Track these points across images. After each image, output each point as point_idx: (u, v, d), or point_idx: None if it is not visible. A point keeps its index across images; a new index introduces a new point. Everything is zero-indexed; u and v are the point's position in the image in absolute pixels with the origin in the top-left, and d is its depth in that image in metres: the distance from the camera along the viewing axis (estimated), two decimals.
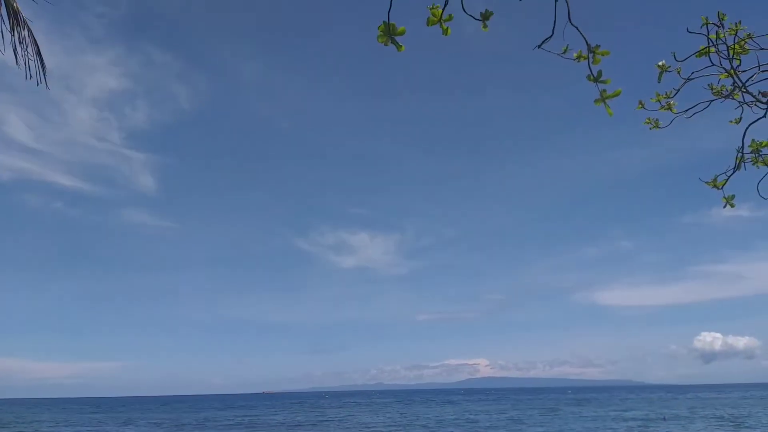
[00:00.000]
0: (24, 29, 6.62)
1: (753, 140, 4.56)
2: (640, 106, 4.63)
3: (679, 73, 4.43)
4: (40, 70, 6.80)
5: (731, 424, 57.93)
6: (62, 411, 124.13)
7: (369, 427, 59.21)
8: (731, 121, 4.61)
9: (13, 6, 6.46)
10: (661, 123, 4.70)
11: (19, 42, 6.49)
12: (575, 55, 3.45)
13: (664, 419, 63.75)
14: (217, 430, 61.08)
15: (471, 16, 3.13)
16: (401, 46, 3.12)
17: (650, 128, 4.75)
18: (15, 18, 6.45)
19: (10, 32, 6.46)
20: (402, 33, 3.10)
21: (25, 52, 6.61)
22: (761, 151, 4.58)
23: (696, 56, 4.33)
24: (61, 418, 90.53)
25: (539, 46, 3.33)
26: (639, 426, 55.46)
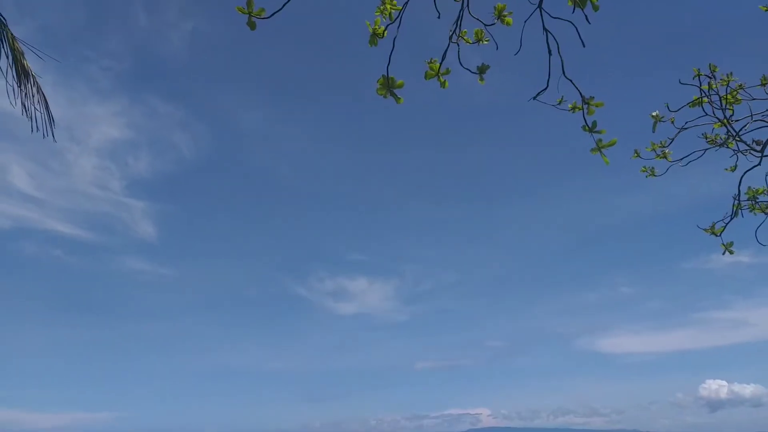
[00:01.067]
0: (33, 84, 6.78)
1: (749, 188, 4.63)
2: (636, 155, 4.74)
3: (673, 122, 4.55)
4: (47, 123, 6.93)
5: None
6: None
7: None
8: (727, 169, 4.70)
9: (22, 63, 6.63)
10: (657, 171, 4.79)
11: (26, 95, 6.64)
12: (570, 106, 3.54)
13: None
14: None
15: (468, 69, 3.23)
16: (400, 98, 3.21)
17: (647, 176, 4.84)
18: (24, 73, 6.61)
19: (19, 87, 6.61)
20: (401, 86, 3.19)
21: (32, 106, 6.74)
22: (758, 199, 4.65)
23: (689, 106, 4.46)
24: None
25: (534, 98, 3.42)
26: None
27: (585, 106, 3.46)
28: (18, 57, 6.62)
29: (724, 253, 5.02)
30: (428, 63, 3.27)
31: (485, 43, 3.25)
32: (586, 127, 3.51)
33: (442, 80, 3.29)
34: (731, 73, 4.33)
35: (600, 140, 3.58)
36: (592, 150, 3.62)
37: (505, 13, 3.16)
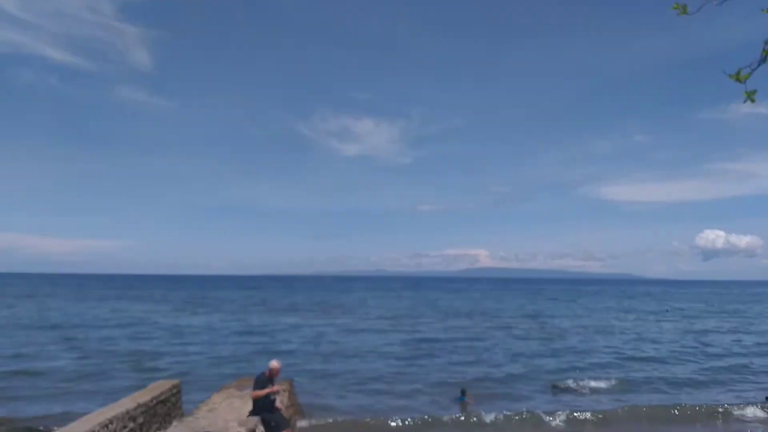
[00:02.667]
0: None
1: None
2: None
3: None
4: None
5: (731, 316, 60.18)
6: (70, 287, 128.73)
7: (399, 309, 61.72)
8: (764, 10, 4.34)
9: None
10: (689, 9, 4.44)
11: None
12: None
13: (667, 311, 66.13)
14: (241, 308, 63.37)
15: None
16: None
17: (678, 13, 4.48)
18: None
19: None
20: None
21: None
22: None
23: None
24: (72, 294, 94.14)
25: None
26: (643, 316, 57.70)
27: None
28: None
29: (745, 101, 4.80)
30: None
31: None
32: None
33: None
34: None
35: None
36: None
37: None
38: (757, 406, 17.06)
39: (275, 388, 10.93)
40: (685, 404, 17.49)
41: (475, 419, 15.72)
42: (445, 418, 15.68)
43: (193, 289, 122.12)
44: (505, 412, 16.16)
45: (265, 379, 11.02)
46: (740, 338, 37.45)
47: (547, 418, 15.76)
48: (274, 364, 11.26)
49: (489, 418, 15.65)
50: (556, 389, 20.14)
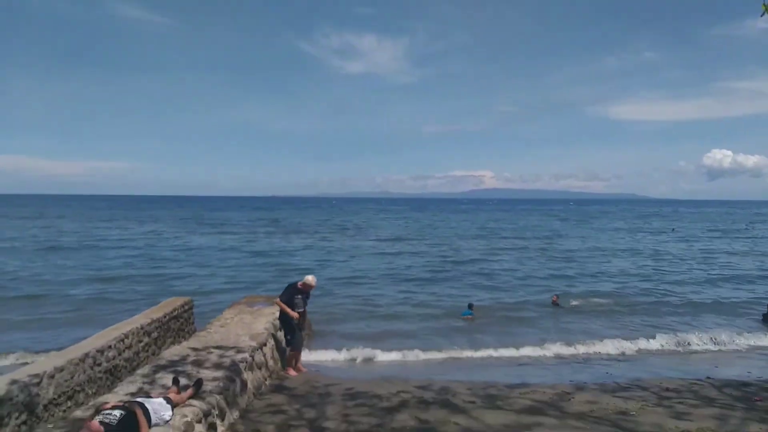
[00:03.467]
0: None
1: None
2: None
3: None
4: None
5: (735, 234, 60.55)
6: (80, 208, 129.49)
7: (406, 229, 62.26)
8: None
9: None
10: None
11: None
12: None
13: (673, 230, 66.51)
14: (251, 229, 63.84)
15: None
16: None
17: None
18: None
19: None
20: None
21: None
22: None
23: None
24: (83, 214, 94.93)
25: None
26: (650, 235, 58.24)
27: None
28: None
29: (762, 15, 4.67)
30: None
31: None
32: None
33: None
34: None
35: None
36: None
37: None
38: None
39: (295, 314, 10.85)
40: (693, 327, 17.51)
41: (479, 336, 16.04)
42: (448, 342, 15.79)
43: (202, 210, 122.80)
44: (509, 331, 16.41)
45: (295, 289, 10.92)
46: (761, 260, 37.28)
47: (550, 343, 15.92)
48: (309, 278, 11.04)
49: (494, 336, 15.84)
50: (558, 308, 20.34)
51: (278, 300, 10.98)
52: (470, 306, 18.70)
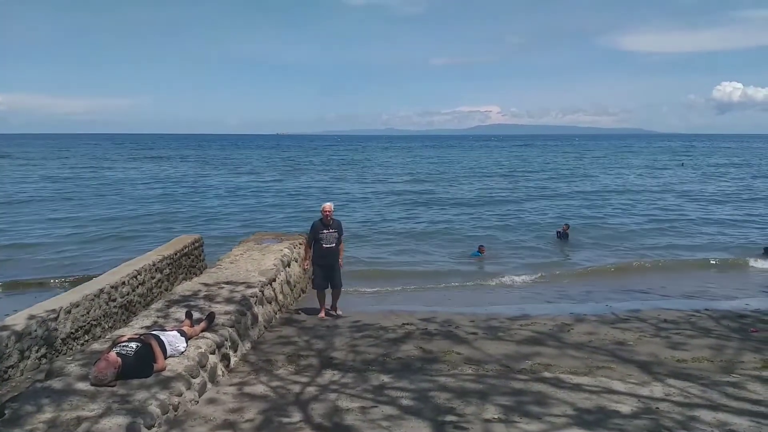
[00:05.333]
0: None
1: None
2: None
3: None
4: None
5: (746, 168, 60.11)
6: (87, 147, 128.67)
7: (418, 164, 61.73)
8: None
9: None
10: None
11: None
12: None
13: (682, 165, 65.91)
14: (262, 168, 63.49)
15: None
16: None
17: None
18: None
19: None
20: None
21: None
22: None
23: None
24: (94, 154, 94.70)
25: None
26: (659, 170, 57.92)
27: None
28: None
29: None
30: None
31: None
32: None
33: None
34: None
35: None
36: None
37: None
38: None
39: (306, 262, 11.22)
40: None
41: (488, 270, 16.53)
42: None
43: (211, 149, 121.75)
44: (517, 268, 16.57)
45: (318, 225, 10.70)
46: None
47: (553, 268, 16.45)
48: (325, 205, 10.77)
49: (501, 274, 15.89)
50: (565, 240, 20.60)
51: (305, 244, 11.29)
52: (480, 248, 18.60)
